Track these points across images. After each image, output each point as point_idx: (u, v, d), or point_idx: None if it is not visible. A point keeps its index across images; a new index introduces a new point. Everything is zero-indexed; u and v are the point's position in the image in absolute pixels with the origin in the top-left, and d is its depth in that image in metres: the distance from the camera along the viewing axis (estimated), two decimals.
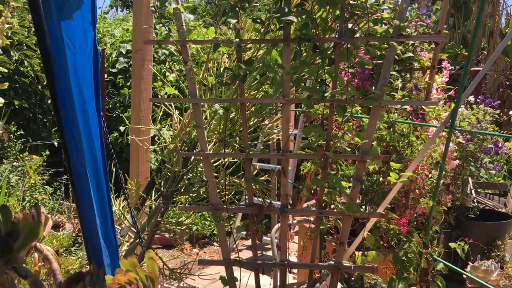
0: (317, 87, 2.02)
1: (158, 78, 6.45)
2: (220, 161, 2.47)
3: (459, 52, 11.03)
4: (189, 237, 6.27)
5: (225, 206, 2.16)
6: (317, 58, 2.11)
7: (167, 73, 6.19)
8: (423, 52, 4.49)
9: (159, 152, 2.37)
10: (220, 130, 2.27)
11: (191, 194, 2.38)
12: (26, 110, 5.55)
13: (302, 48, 2.16)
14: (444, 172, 4.08)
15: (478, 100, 4.54)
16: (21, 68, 5.03)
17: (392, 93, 2.62)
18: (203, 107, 2.29)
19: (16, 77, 5.08)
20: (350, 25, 2.10)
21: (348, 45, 2.08)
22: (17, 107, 5.23)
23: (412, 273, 2.36)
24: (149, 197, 2.40)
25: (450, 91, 5.07)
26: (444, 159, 2.24)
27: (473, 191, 6.74)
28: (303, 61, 2.05)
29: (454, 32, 12.25)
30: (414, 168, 2.37)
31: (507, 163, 7.71)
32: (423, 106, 2.78)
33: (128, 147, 4.70)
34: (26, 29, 4.92)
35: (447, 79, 4.78)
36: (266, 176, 2.41)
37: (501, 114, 4.97)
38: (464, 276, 3.78)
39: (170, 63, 6.38)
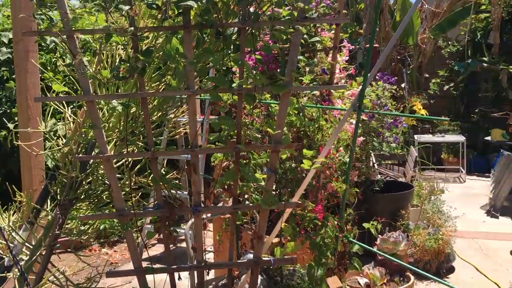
0: (223, 77, 1.89)
1: (49, 69, 5.93)
2: (123, 161, 2.26)
3: (353, 30, 11.43)
4: (97, 236, 5.92)
5: (132, 211, 1.98)
6: (221, 45, 1.97)
7: (59, 63, 5.70)
8: (323, 32, 4.52)
9: (51, 157, 2.12)
10: (121, 128, 2.07)
11: (92, 200, 2.16)
12: None
13: (204, 35, 2.01)
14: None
15: (377, 77, 4.68)
16: None
17: (300, 78, 2.56)
18: (99, 104, 2.06)
19: None
20: (252, 9, 1.99)
21: (253, 30, 1.96)
22: None
23: (329, 257, 2.35)
24: (46, 207, 2.15)
25: (350, 69, 5.18)
26: (354, 141, 2.23)
27: (375, 164, 7.07)
28: (206, 49, 1.91)
29: (348, 10, 12.67)
30: (327, 152, 2.34)
31: (403, 133, 8.17)
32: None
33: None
34: None
35: (347, 58, 4.87)
36: (176, 173, 2.25)
37: (397, 89, 5.19)
38: (375, 248, 3.92)
39: (61, 51, 5.89)
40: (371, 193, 4.86)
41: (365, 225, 2.51)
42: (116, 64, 1.86)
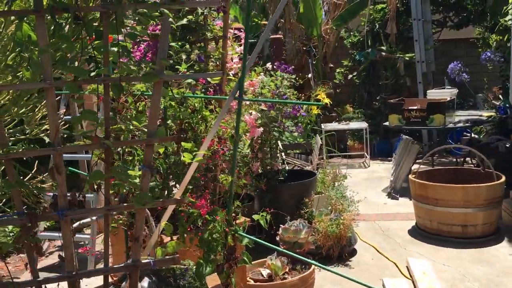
0: (80, 67, 1.71)
1: None
2: None
3: (259, 21, 11.47)
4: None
5: None
6: (81, 31, 1.79)
7: None
8: (217, 21, 4.41)
9: None
10: None
11: None
12: None
13: (61, 21, 1.81)
14: (249, 141, 4.12)
15: (274, 67, 4.67)
16: None
17: (177, 66, 2.43)
18: None
19: None
20: None
21: (116, 15, 1.80)
22: None
23: (219, 253, 2.25)
24: None
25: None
26: (237, 131, 2.14)
27: (282, 153, 7.12)
28: (62, 36, 1.71)
29: (254, 2, 12.70)
30: (209, 144, 2.23)
31: (310, 123, 8.33)
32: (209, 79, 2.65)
33: None
34: None
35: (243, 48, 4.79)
36: (43, 176, 2.03)
37: (297, 78, 5.22)
38: (277, 238, 3.91)
39: None
40: (275, 183, 4.87)
41: (255, 217, 2.44)
42: None
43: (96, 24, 1.82)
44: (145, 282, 2.44)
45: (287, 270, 3.62)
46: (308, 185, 4.94)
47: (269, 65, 4.76)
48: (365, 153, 9.21)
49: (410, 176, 5.27)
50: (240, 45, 4.73)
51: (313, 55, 11.26)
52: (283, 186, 4.85)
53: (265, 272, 3.61)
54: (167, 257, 2.06)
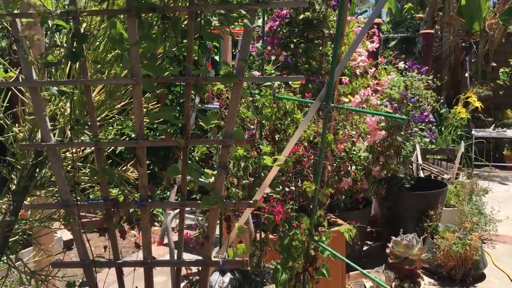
0: (158, 65, 1.76)
1: None
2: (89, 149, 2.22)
3: (414, 14, 10.80)
4: (127, 218, 6.01)
5: (77, 202, 1.93)
6: (167, 30, 1.84)
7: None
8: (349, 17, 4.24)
9: (4, 142, 2.11)
10: (77, 116, 2.01)
11: (49, 189, 2.14)
12: None
13: (152, 20, 1.89)
14: (366, 144, 3.91)
15: (406, 66, 4.34)
16: None
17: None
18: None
19: None
20: None
21: (203, 15, 1.82)
22: None
23: (296, 261, 2.18)
24: (5, 194, 2.15)
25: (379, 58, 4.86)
26: (324, 137, 2.02)
27: (419, 158, 6.65)
28: (144, 35, 1.78)
29: None
30: (295, 149, 2.15)
31: (458, 127, 7.63)
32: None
33: None
34: None
35: (378, 45, 4.56)
36: (130, 165, 2.16)
37: (435, 79, 4.80)
38: (387, 251, 3.67)
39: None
40: (397, 190, 4.56)
41: (341, 228, 2.30)
42: (52, 48, 1.79)
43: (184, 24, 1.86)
44: (227, 277, 2.47)
45: (392, 286, 3.38)
46: (435, 196, 4.53)
47: (401, 64, 4.44)
48: None
49: None
50: (372, 42, 4.50)
51: (473, 53, 10.26)
52: (405, 195, 4.52)
53: (368, 284, 3.41)
54: (237, 259, 2.05)
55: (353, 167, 4.08)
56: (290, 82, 2.50)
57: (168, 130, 1.86)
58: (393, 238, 3.65)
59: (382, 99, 4.35)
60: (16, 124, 2.15)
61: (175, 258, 2.07)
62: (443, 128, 7.45)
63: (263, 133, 2.48)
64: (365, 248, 4.87)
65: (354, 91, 3.99)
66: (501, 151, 8.99)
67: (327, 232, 2.24)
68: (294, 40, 3.17)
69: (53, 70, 2.09)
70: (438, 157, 7.23)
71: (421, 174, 6.38)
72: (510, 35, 10.15)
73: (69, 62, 2.09)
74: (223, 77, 1.84)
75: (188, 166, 1.88)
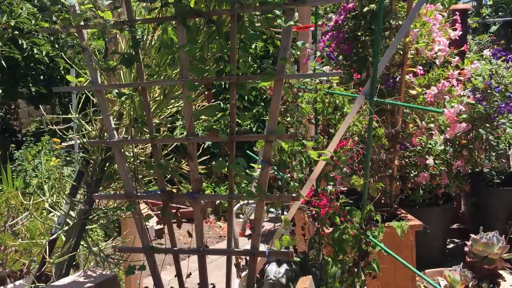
0: (198, 65, 1.88)
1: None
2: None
3: None
4: (214, 210, 6.32)
5: (137, 194, 2.12)
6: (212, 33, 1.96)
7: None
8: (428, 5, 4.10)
9: (80, 140, 2.37)
10: (138, 115, 2.21)
11: (118, 181, 2.36)
12: (50, 95, 5.81)
13: (201, 24, 2.01)
14: (442, 138, 3.75)
15: (489, 53, 4.07)
16: (36, 56, 5.22)
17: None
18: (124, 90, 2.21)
19: (31, 64, 5.30)
20: None
21: (243, 17, 1.90)
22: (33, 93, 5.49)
23: (347, 255, 2.19)
24: (81, 186, 2.42)
25: (463, 45, 4.60)
26: (370, 131, 2.00)
27: (510, 153, 6.19)
28: (190, 39, 1.91)
29: None
30: (340, 144, 2.16)
31: None
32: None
33: None
34: (34, 17, 5.08)
35: (461, 33, 4.34)
36: (184, 160, 2.31)
37: None
38: (465, 249, 3.51)
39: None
40: (484, 185, 4.30)
41: (393, 224, 2.26)
42: (111, 54, 1.98)
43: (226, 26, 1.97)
44: (283, 268, 2.55)
45: (469, 285, 3.22)
46: None
47: (487, 51, 4.16)
48: None
49: None
50: (455, 29, 4.27)
51: None
52: (491, 191, 4.24)
53: (443, 283, 3.29)
54: (283, 250, 2.12)
55: (432, 161, 3.93)
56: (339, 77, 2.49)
57: (214, 127, 1.98)
58: (472, 235, 3.46)
59: (465, 90, 4.12)
60: (90, 123, 2.41)
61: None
62: None
63: (318, 128, 2.51)
64: (450, 246, 4.67)
65: (430, 82, 3.83)
66: None
67: (379, 227, 2.22)
68: (359, 34, 3.13)
69: (121, 73, 2.31)
70: None
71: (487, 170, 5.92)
72: None
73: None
74: (264, 75, 1.91)
75: (236, 161, 1.99)
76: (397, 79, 3.15)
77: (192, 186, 2.09)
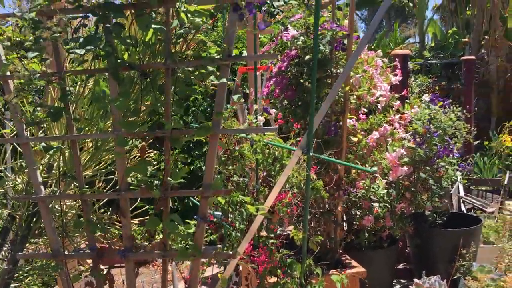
0: (129, 120, 1.82)
1: None
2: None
3: (459, 39, 10.50)
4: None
5: (65, 253, 2.00)
6: (144, 85, 1.90)
7: None
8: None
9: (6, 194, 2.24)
10: (68, 169, 2.11)
11: (46, 237, 2.23)
12: None
13: (134, 77, 1.96)
14: (383, 182, 3.81)
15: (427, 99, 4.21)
16: None
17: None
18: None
19: None
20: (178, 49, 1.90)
21: (176, 71, 1.87)
22: None
23: None
24: (5, 244, 2.27)
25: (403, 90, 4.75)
26: (308, 184, 1.99)
27: (461, 190, 6.39)
28: (123, 92, 1.85)
29: (457, 17, 11.69)
30: (279, 197, 2.13)
31: (499, 157, 7.27)
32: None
33: None
34: None
35: (401, 78, 4.49)
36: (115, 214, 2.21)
37: (465, 111, 4.62)
38: None
39: None
40: (425, 227, 4.37)
41: (333, 277, 2.23)
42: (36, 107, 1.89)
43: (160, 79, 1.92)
44: None
45: None
46: (467, 233, 4.29)
47: (425, 96, 4.31)
48: None
49: None
50: (396, 75, 4.42)
51: None
52: (434, 232, 4.31)
53: None
54: None
55: (376, 204, 3.97)
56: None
57: (148, 182, 1.91)
58: (415, 280, 3.49)
59: (406, 133, 4.24)
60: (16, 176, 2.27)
61: None
62: (485, 158, 7.11)
63: (260, 178, 2.48)
64: (397, 286, 4.69)
65: (373, 126, 3.91)
66: None
67: (320, 281, 2.19)
68: (301, 80, 3.17)
69: (50, 125, 2.21)
70: (483, 188, 6.89)
71: (463, 208, 6.09)
72: None
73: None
74: (198, 129, 1.87)
75: (167, 219, 1.91)
76: (339, 126, 3.19)
77: (124, 244, 1.99)
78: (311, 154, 1.94)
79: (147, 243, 2.05)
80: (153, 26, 1.68)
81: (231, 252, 1.91)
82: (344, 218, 4.33)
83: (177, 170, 1.85)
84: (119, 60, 1.81)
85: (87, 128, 2.11)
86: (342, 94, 3.14)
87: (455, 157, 4.54)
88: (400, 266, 4.92)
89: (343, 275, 2.21)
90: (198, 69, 1.84)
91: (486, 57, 9.88)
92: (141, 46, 1.89)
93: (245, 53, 3.90)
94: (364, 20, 36.05)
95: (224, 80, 1.81)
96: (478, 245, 4.52)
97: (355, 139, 3.27)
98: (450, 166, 4.48)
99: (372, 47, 11.87)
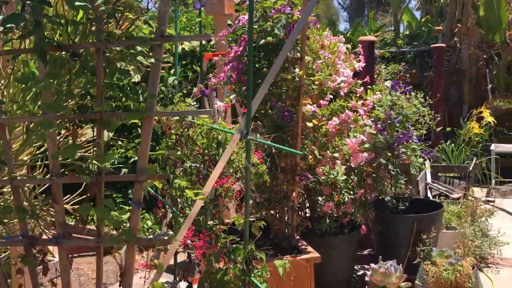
0: (57, 102, 1.76)
1: None
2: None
3: (433, 27, 10.53)
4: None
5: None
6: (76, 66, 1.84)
7: None
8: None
9: None
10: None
11: None
12: None
13: (64, 58, 1.89)
14: (343, 168, 3.80)
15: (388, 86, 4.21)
16: None
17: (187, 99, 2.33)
18: None
19: None
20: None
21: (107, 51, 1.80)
22: None
23: None
24: None
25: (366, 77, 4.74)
26: (248, 169, 1.95)
27: (428, 177, 6.44)
28: (50, 73, 1.78)
29: (431, 6, 11.72)
30: (220, 182, 2.09)
31: (468, 144, 7.35)
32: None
33: None
34: None
35: (364, 64, 4.48)
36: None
37: (427, 97, 4.64)
38: (366, 279, 3.54)
39: None
40: (387, 213, 4.39)
41: (276, 262, 2.21)
42: None
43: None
44: None
45: None
46: (428, 219, 4.32)
47: (387, 83, 4.31)
48: None
49: None
50: (359, 61, 4.40)
51: (494, 64, 9.89)
52: (395, 218, 4.34)
53: None
54: None
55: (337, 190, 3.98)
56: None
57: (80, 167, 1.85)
58: (372, 265, 3.50)
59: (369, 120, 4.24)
60: None
61: None
62: (453, 145, 7.17)
63: (206, 163, 2.44)
64: (360, 272, 4.71)
65: (333, 113, 3.90)
66: None
67: (263, 266, 2.16)
68: (257, 65, 3.12)
69: None
70: (451, 175, 6.97)
71: (429, 194, 6.15)
72: None
73: None
74: (132, 112, 1.81)
75: (101, 204, 1.86)
76: (294, 112, 3.15)
77: (57, 231, 1.93)
78: (249, 137, 1.89)
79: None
80: (77, 3, 1.60)
81: (166, 238, 1.86)
82: (308, 205, 4.34)
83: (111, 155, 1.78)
84: (46, 40, 1.74)
85: (18, 112, 2.04)
86: (297, 80, 3.10)
87: (418, 144, 4.56)
88: (365, 252, 4.96)
89: (286, 260, 2.18)
90: (129, 50, 1.77)
91: (458, 45, 9.94)
92: (71, 25, 1.82)
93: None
94: (346, 8, 36.07)
95: (156, 60, 1.75)
96: (439, 231, 4.57)
97: (310, 124, 3.24)
98: (413, 152, 4.50)
99: (348, 34, 11.87)
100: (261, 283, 2.11)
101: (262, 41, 3.08)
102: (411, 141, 3.97)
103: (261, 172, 2.18)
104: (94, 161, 1.72)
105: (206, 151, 2.37)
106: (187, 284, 2.61)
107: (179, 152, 2.56)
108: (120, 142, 5.84)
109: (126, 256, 1.91)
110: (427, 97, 4.56)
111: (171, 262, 5.01)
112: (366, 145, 4.02)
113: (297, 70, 3.28)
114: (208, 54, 4.58)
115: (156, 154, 2.30)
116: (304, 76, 3.26)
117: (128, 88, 4.96)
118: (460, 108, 10.00)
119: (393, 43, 11.05)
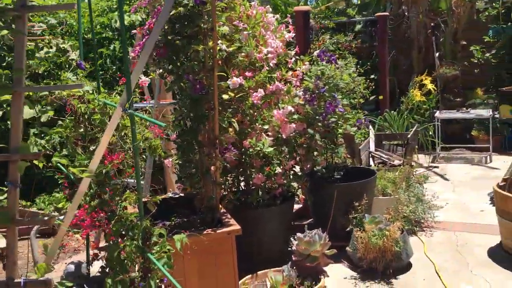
0: None
1: None
2: None
3: None
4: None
5: None
6: None
7: None
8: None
9: None
10: None
11: None
12: None
13: None
14: (272, 139, 3.79)
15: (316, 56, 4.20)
16: None
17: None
18: None
19: None
20: None
21: None
22: None
23: (128, 274, 2.08)
24: None
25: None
26: (134, 141, 1.89)
27: (371, 145, 6.54)
28: None
29: None
30: (109, 158, 2.04)
31: (413, 111, 7.47)
32: None
33: None
34: None
35: (294, 34, 4.44)
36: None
37: (357, 66, 4.65)
38: (292, 248, 3.57)
39: None
40: (321, 183, 4.44)
41: (175, 237, 2.18)
42: None
43: None
44: None
45: (293, 284, 3.28)
46: (361, 186, 4.39)
47: (316, 53, 4.29)
48: (490, 147, 7.91)
49: (494, 185, 4.35)
50: (289, 32, 4.36)
51: (441, 32, 10.02)
52: (327, 187, 4.38)
53: (268, 284, 3.32)
54: (41, 279, 1.95)
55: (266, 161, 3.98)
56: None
57: None
58: (298, 234, 3.54)
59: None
60: None
61: None
62: (395, 113, 7.28)
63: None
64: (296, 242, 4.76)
65: (259, 84, 3.86)
66: (470, 132, 8.80)
67: (161, 241, 2.13)
68: (169, 38, 3.04)
69: None
70: (395, 142, 7.08)
71: (371, 162, 6.25)
72: (478, 11, 9.89)
73: None
74: None
75: None
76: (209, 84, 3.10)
77: None
78: (130, 111, 1.83)
79: None
80: None
81: (46, 218, 1.81)
82: (242, 178, 4.33)
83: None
84: None
85: None
86: (211, 51, 3.03)
87: (352, 112, 4.59)
88: (305, 222, 5.02)
89: (183, 235, 2.16)
90: None
91: (406, 13, 10.00)
92: None
93: None
94: None
95: (18, 33, 1.66)
96: (372, 197, 4.65)
97: (226, 96, 3.20)
98: (346, 121, 4.54)
99: (298, 4, 11.77)
100: (160, 259, 2.09)
101: (173, 11, 2.99)
102: (336, 110, 3.98)
103: (155, 146, 2.13)
104: None
105: (101, 127, 2.30)
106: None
107: (81, 130, 2.48)
108: None
109: (8, 237, 1.85)
110: (358, 66, 4.57)
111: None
112: (295, 116, 4.02)
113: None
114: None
115: (53, 133, 2.22)
116: (221, 48, 3.20)
117: None
118: (409, 77, 10.14)
119: (344, 13, 11.04)
